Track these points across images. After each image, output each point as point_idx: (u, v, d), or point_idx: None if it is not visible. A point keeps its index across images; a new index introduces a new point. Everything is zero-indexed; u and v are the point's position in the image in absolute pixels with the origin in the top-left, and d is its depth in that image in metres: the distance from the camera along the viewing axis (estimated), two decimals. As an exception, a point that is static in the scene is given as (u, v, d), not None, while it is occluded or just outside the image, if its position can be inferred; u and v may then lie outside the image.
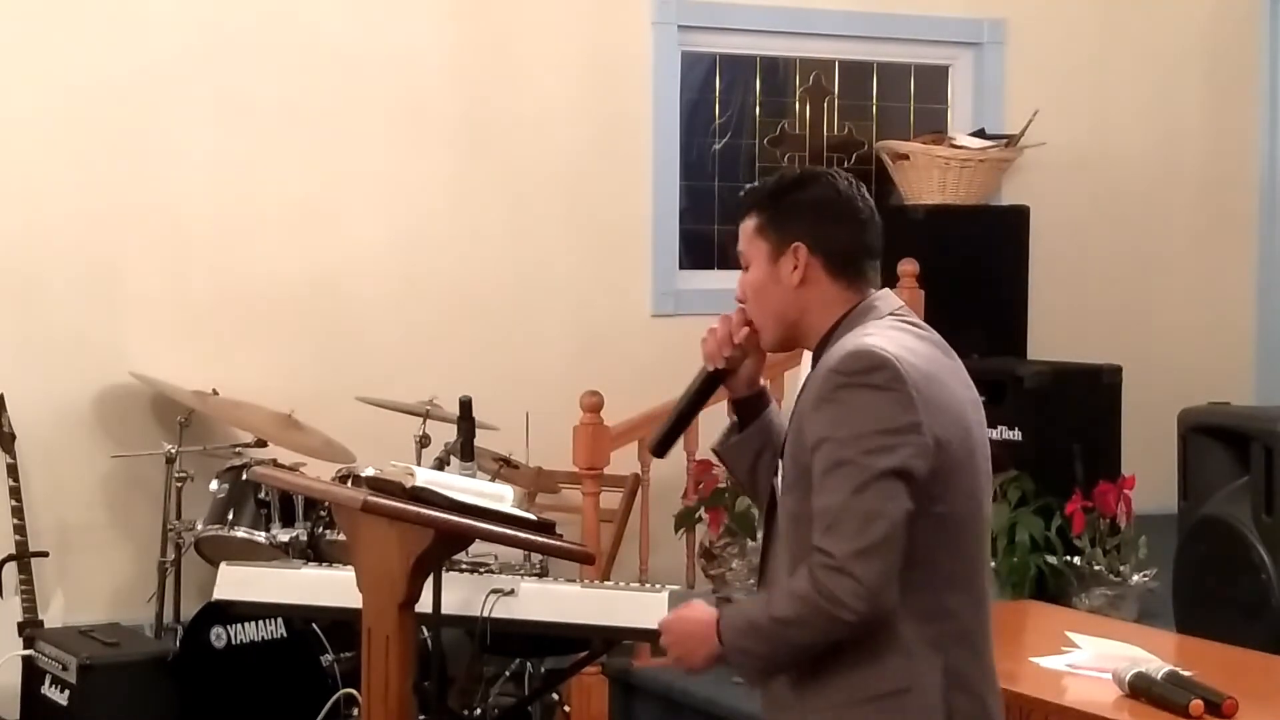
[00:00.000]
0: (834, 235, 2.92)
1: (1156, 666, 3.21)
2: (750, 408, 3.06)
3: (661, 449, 3.12)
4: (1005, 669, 3.46)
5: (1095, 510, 5.77)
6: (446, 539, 3.36)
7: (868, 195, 2.98)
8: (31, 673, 5.68)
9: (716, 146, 7.39)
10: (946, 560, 2.85)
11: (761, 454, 3.04)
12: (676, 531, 6.29)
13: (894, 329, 2.85)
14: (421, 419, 5.90)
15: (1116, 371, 6.40)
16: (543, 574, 5.04)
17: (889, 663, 2.79)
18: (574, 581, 4.38)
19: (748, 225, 3.01)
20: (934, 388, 2.82)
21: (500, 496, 3.54)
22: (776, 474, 2.91)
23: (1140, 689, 3.17)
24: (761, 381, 3.10)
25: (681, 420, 3.09)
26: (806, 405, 2.82)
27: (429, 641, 4.21)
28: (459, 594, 4.09)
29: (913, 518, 2.74)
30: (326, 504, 5.28)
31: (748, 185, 3.08)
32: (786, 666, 2.84)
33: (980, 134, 7.40)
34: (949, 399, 2.88)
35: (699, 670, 2.89)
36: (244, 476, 5.72)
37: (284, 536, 5.64)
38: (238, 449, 6.03)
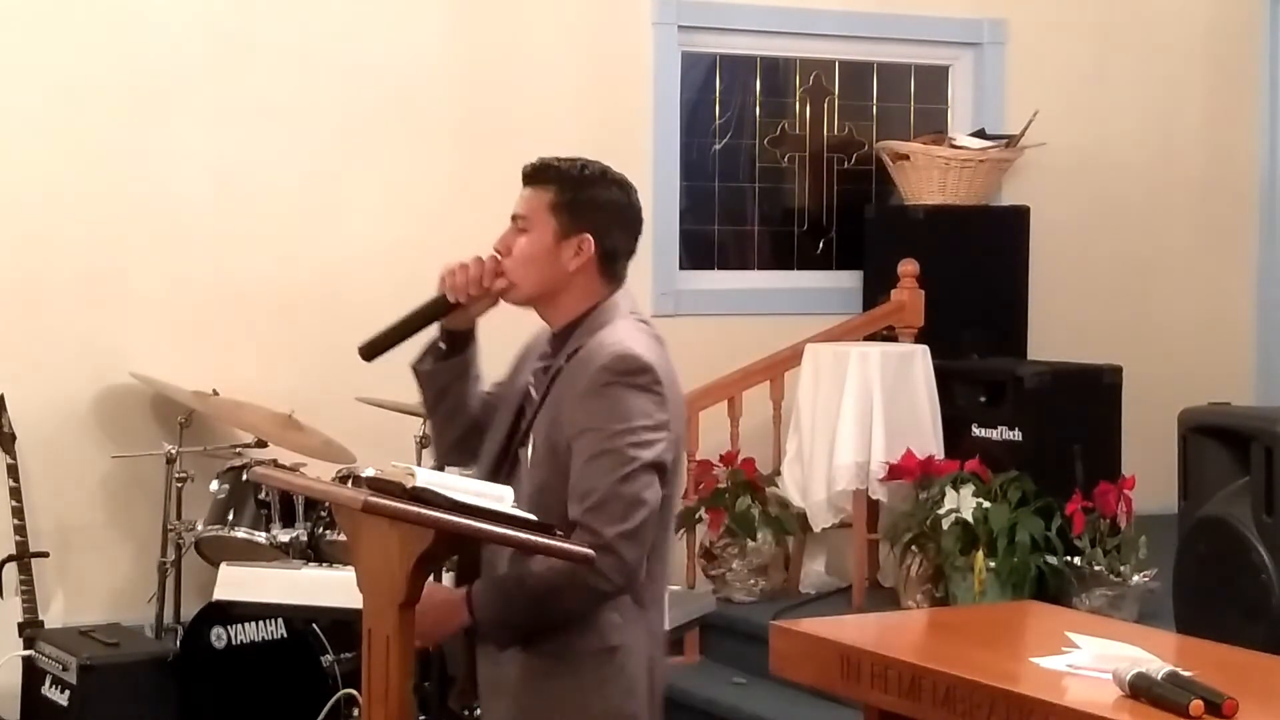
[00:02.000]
0: (616, 238, 3.29)
1: (1157, 667, 3.21)
2: (460, 341, 3.39)
3: (372, 354, 3.40)
4: (1005, 669, 3.46)
5: (1095, 510, 5.77)
6: (447, 539, 3.35)
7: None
8: (32, 673, 5.68)
9: (717, 147, 7.39)
10: (660, 534, 3.25)
11: (452, 385, 3.38)
12: (677, 532, 6.30)
13: (640, 331, 3.23)
14: (422, 419, 5.90)
15: (1116, 371, 6.40)
16: (543, 574, 5.03)
17: (604, 621, 3.17)
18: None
19: (541, 196, 3.27)
20: (673, 388, 3.21)
21: (500, 497, 3.53)
22: (525, 444, 3.21)
23: (1140, 689, 3.16)
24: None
25: (403, 334, 3.36)
26: (571, 393, 3.13)
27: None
28: (459, 594, 4.09)
29: None
30: (326, 504, 5.28)
31: (544, 157, 3.37)
32: (538, 632, 3.14)
33: (980, 134, 7.41)
34: (678, 396, 3.25)
35: (439, 643, 3.21)
36: (244, 477, 5.73)
37: (284, 537, 5.65)
38: (238, 449, 6.04)
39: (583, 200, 3.27)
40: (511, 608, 3.12)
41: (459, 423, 3.40)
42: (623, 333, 3.19)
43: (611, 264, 3.29)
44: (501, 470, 3.27)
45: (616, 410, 3.10)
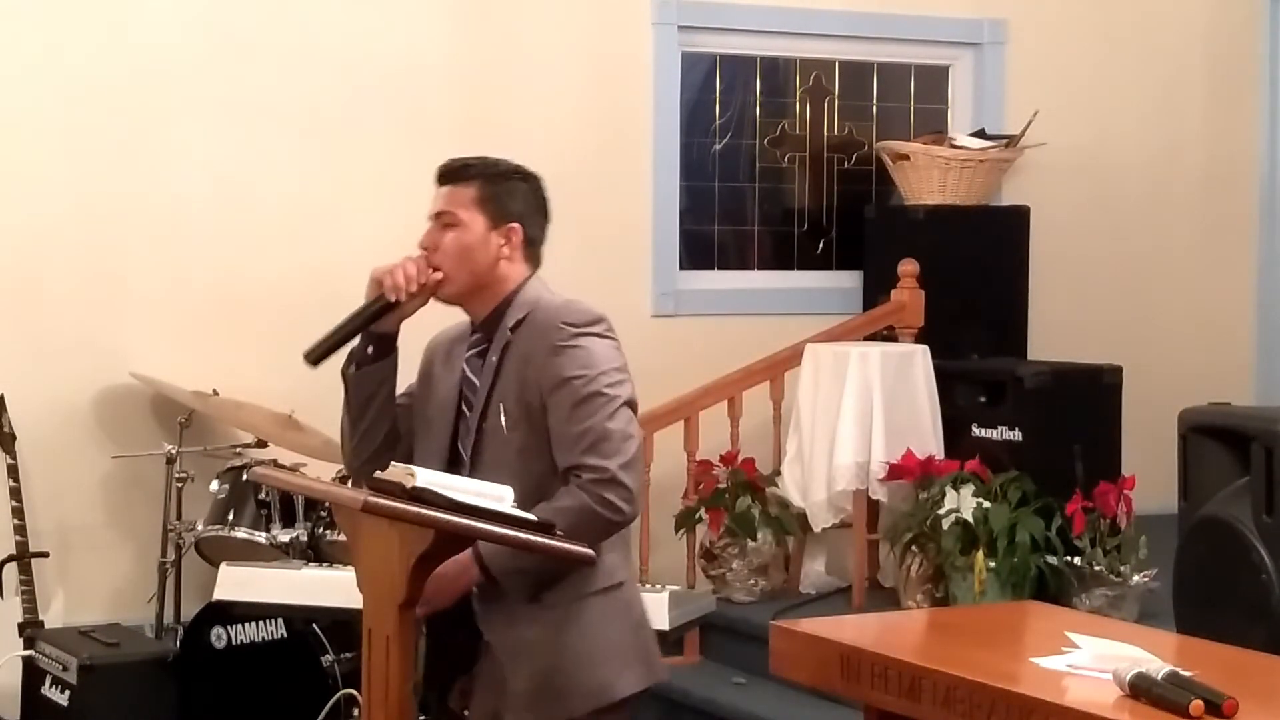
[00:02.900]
0: (537, 226, 3.58)
1: (1157, 667, 3.21)
2: (386, 345, 3.57)
3: (317, 359, 3.50)
4: (1005, 669, 3.46)
5: (1095, 510, 5.77)
6: (447, 539, 3.36)
7: None
8: (32, 673, 5.69)
9: (717, 147, 7.39)
10: None
11: (379, 389, 3.56)
12: (677, 532, 6.30)
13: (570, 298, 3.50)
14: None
15: (1116, 371, 6.40)
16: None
17: (607, 561, 3.40)
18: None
19: (465, 192, 3.53)
20: None
21: (500, 497, 3.54)
22: (489, 416, 3.39)
23: (1141, 689, 3.16)
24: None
25: (345, 336, 3.49)
26: (535, 355, 3.37)
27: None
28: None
29: None
30: (326, 504, 5.28)
31: (467, 156, 3.64)
32: (550, 575, 3.34)
33: (980, 134, 7.40)
34: None
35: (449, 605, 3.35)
36: (244, 477, 5.73)
37: (284, 537, 5.65)
38: (238, 449, 6.04)
39: (505, 192, 3.54)
40: (527, 556, 3.24)
41: (383, 427, 3.57)
42: (562, 297, 3.49)
43: (533, 249, 3.58)
44: (457, 460, 3.46)
45: (588, 358, 3.37)
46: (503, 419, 3.39)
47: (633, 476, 3.35)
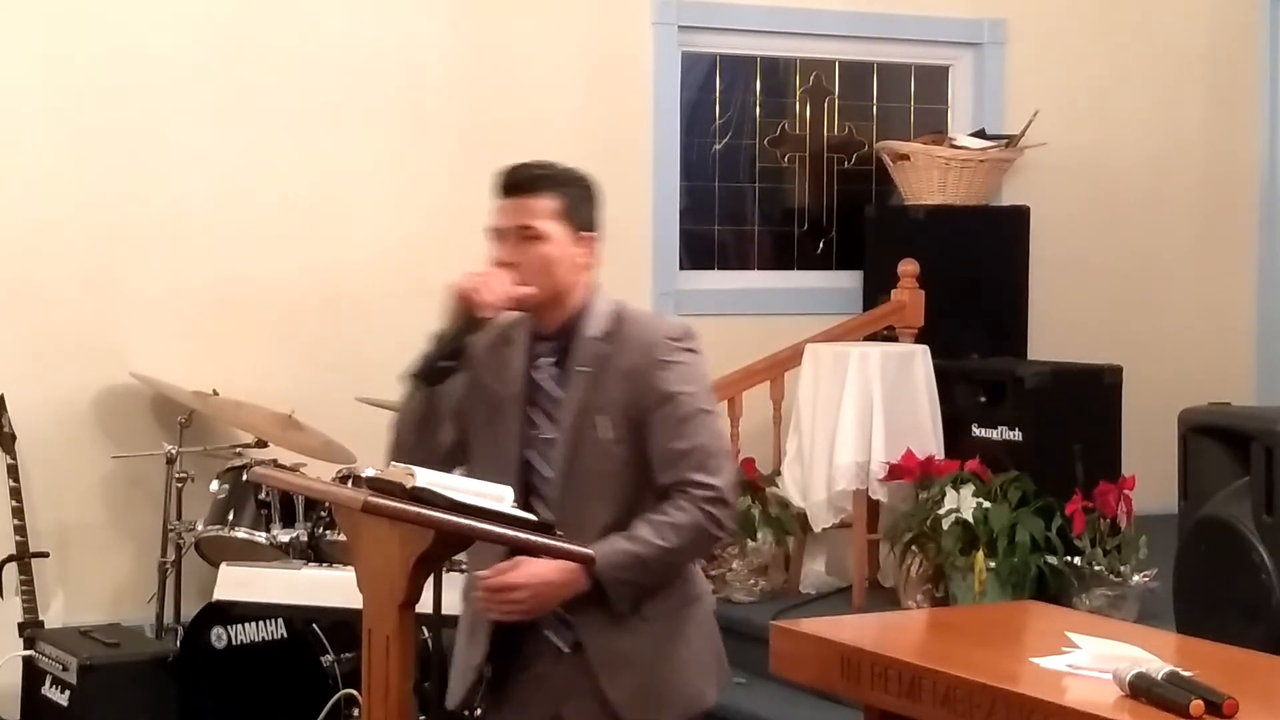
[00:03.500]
0: (601, 232, 3.56)
1: (1157, 667, 3.21)
2: (460, 355, 3.45)
3: (431, 379, 3.39)
4: (1005, 669, 3.46)
5: (1096, 510, 5.77)
6: (447, 539, 3.36)
7: None
8: (32, 673, 5.68)
9: (717, 147, 7.39)
10: None
11: (448, 399, 3.45)
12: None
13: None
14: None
15: (1116, 371, 6.40)
16: (543, 574, 5.03)
17: (693, 572, 3.48)
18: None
19: (543, 203, 3.43)
20: None
21: (500, 497, 3.53)
22: (584, 428, 3.33)
23: (1141, 689, 3.16)
24: None
25: (449, 354, 3.38)
26: (641, 367, 3.33)
27: (429, 642, 4.21)
28: (459, 594, 4.08)
29: None
30: (327, 504, 5.28)
31: (530, 162, 3.52)
32: (655, 590, 3.34)
33: (980, 134, 7.41)
34: None
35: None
36: (244, 477, 5.73)
37: (284, 537, 5.65)
38: (238, 449, 6.04)
39: (580, 201, 3.47)
40: (647, 570, 3.28)
41: (449, 433, 3.50)
42: (643, 308, 3.52)
43: (599, 257, 3.56)
44: (531, 474, 3.39)
45: (690, 374, 3.37)
46: (610, 431, 3.35)
47: (735, 495, 3.41)
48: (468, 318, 3.37)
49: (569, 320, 3.42)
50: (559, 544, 3.23)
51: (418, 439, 3.42)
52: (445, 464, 3.43)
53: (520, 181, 3.44)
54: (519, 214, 3.42)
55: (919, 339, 6.58)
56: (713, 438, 3.37)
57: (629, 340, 3.38)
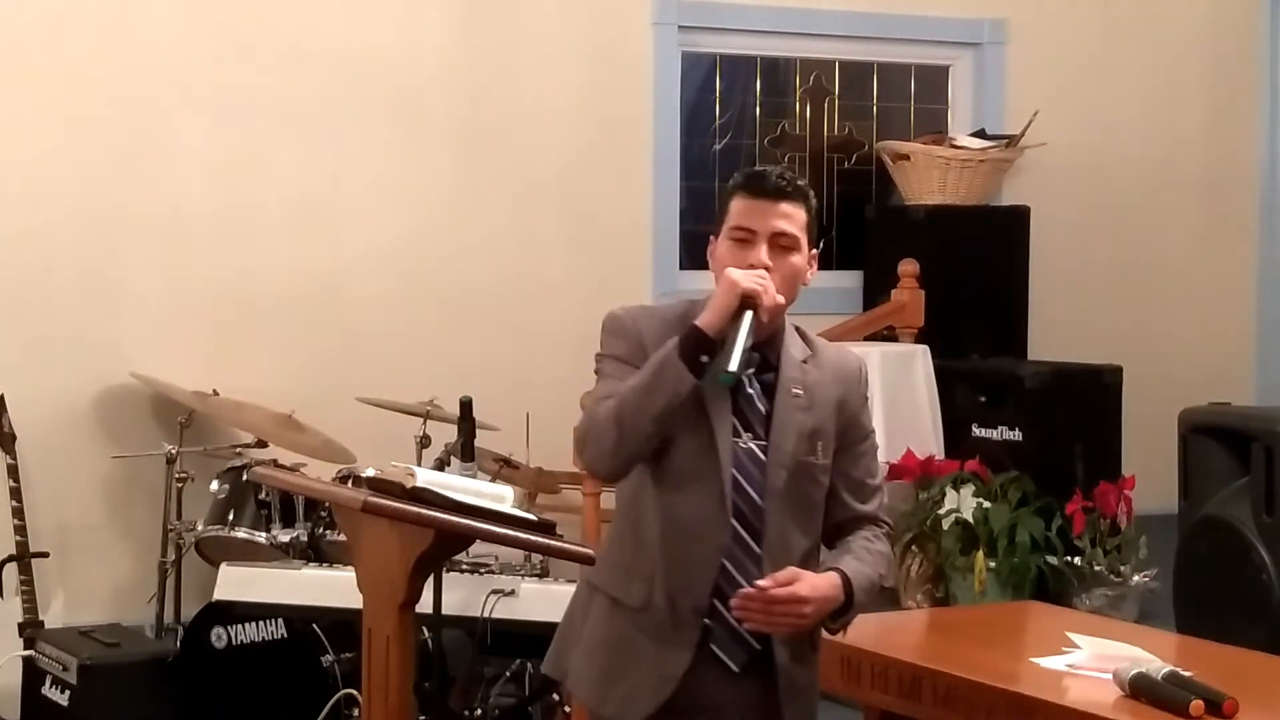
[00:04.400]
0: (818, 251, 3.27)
1: (1157, 667, 3.21)
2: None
3: (736, 379, 3.08)
4: (1005, 669, 3.46)
5: (1096, 510, 5.78)
6: (447, 539, 3.36)
7: None
8: (32, 673, 5.68)
9: (717, 147, 7.39)
10: None
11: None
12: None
13: None
14: (422, 419, 5.90)
15: (1116, 371, 6.41)
16: (543, 575, 5.04)
17: None
18: (574, 582, 4.38)
19: (799, 214, 3.19)
20: None
21: (501, 497, 3.54)
22: (797, 448, 3.17)
23: (1141, 689, 3.17)
24: None
25: (741, 352, 3.06)
26: (851, 399, 3.26)
27: (429, 642, 4.21)
28: (459, 594, 4.10)
29: None
30: (327, 504, 5.28)
31: (781, 169, 3.24)
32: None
33: (981, 134, 7.41)
34: None
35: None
36: (244, 477, 5.72)
37: (284, 537, 5.64)
38: (238, 449, 6.03)
39: (817, 217, 3.26)
40: (871, 594, 3.21)
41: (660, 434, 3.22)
42: (814, 334, 3.34)
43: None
44: (738, 490, 3.17)
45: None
46: (823, 459, 3.22)
47: None
48: (753, 317, 3.08)
49: (773, 333, 3.21)
50: (558, 543, 3.23)
51: (657, 431, 3.12)
52: (644, 458, 3.19)
53: (783, 187, 3.19)
54: (781, 220, 3.18)
55: (919, 339, 6.58)
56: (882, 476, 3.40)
57: (827, 368, 3.26)
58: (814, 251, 3.22)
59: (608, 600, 3.21)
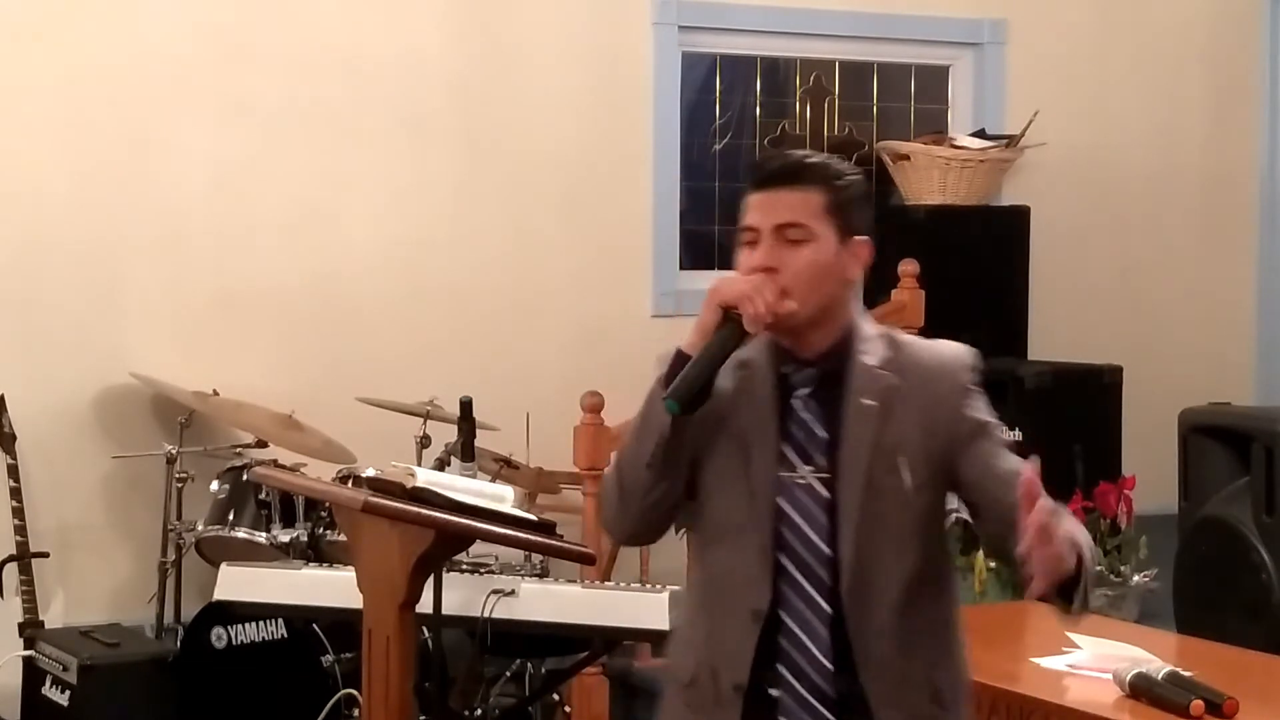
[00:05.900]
0: (874, 239, 2.87)
1: (1157, 667, 3.22)
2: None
3: (692, 406, 2.72)
4: (1005, 669, 3.47)
5: (1096, 511, 5.78)
6: (447, 539, 3.36)
7: None
8: (32, 673, 5.68)
9: (717, 147, 7.39)
10: None
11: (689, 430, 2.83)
12: (677, 532, 6.28)
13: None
14: (422, 419, 5.90)
15: (1117, 371, 6.41)
16: (543, 574, 5.04)
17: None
18: (574, 582, 4.38)
19: (812, 198, 2.81)
20: None
21: (501, 497, 3.54)
22: (874, 474, 2.76)
23: (1141, 689, 3.17)
24: None
25: (711, 374, 2.75)
26: (943, 397, 2.83)
27: (430, 642, 4.21)
28: (460, 594, 4.09)
29: None
30: (327, 504, 5.28)
31: (800, 151, 2.95)
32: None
33: (981, 134, 7.41)
34: None
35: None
36: (244, 477, 5.72)
37: (284, 537, 5.64)
38: (238, 449, 6.03)
39: (852, 198, 2.84)
40: (1093, 570, 2.78)
41: (683, 479, 2.85)
42: (897, 329, 2.97)
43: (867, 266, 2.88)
44: (779, 513, 2.77)
45: (987, 403, 2.93)
46: (908, 476, 2.76)
47: None
48: (734, 332, 2.74)
49: (836, 344, 2.80)
50: (559, 543, 3.23)
51: (658, 478, 2.77)
52: (673, 512, 2.88)
53: (784, 171, 2.86)
54: (782, 209, 2.81)
55: (919, 339, 6.58)
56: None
57: (917, 369, 2.82)
58: (856, 238, 2.81)
59: (668, 676, 2.90)
